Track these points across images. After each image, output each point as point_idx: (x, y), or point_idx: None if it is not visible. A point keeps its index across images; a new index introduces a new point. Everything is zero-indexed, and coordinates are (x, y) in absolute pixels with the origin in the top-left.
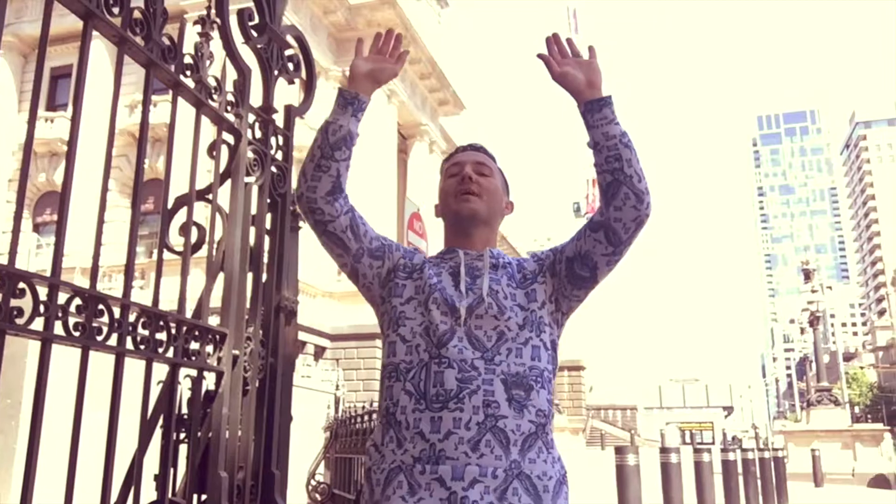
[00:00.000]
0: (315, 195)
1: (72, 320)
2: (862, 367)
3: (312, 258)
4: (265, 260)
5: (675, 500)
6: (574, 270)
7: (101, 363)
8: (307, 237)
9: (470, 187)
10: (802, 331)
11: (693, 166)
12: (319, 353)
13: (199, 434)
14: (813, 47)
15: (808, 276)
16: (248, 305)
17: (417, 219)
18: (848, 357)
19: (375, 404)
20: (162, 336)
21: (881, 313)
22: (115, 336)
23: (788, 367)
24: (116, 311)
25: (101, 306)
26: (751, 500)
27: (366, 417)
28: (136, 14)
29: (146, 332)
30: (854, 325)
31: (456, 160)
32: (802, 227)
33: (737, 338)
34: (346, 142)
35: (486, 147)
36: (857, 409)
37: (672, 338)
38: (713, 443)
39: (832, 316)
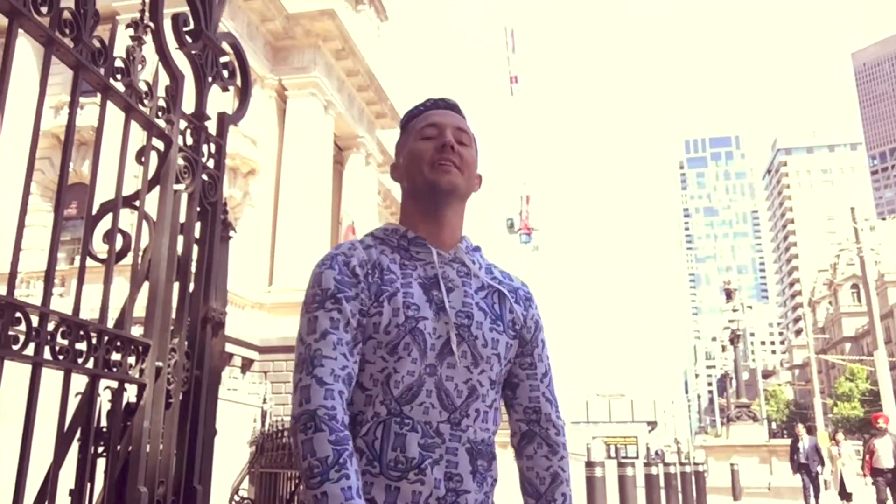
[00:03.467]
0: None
1: None
2: (779, 385)
3: (243, 268)
4: (193, 269)
5: None
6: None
7: (17, 374)
8: (237, 247)
9: (452, 157)
10: (724, 348)
11: (624, 186)
12: (247, 365)
13: (119, 448)
14: (738, 75)
15: (729, 295)
16: (173, 316)
17: (352, 231)
18: (766, 374)
19: None
20: (82, 346)
21: (798, 332)
22: (32, 345)
23: (710, 384)
24: (35, 320)
25: (17, 314)
26: None
27: None
28: (66, 14)
29: (65, 342)
30: (773, 343)
31: (433, 121)
32: (725, 248)
33: (661, 354)
34: None
35: (459, 105)
36: (774, 425)
37: (599, 353)
38: (637, 457)
39: (752, 334)
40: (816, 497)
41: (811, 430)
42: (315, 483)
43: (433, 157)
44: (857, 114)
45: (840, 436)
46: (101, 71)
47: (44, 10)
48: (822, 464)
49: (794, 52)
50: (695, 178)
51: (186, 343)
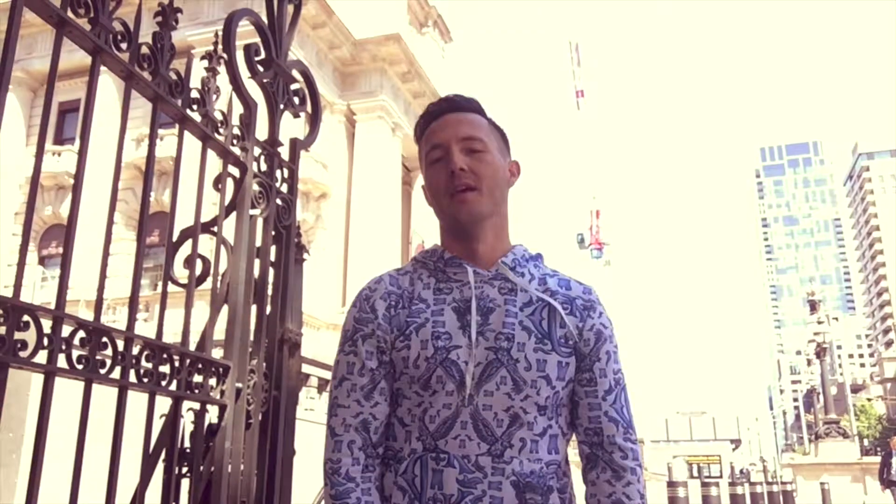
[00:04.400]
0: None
1: (75, 353)
2: (870, 399)
3: (317, 290)
4: (269, 292)
5: None
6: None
7: (105, 396)
8: (311, 268)
9: (464, 182)
10: (809, 362)
11: (698, 198)
12: (324, 385)
13: (202, 468)
14: (814, 79)
15: (813, 307)
16: (251, 338)
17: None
18: (856, 389)
19: None
20: (165, 369)
21: (888, 344)
22: (118, 369)
23: (796, 399)
24: (120, 344)
25: (104, 339)
26: None
27: None
28: (144, 49)
29: (149, 365)
30: (861, 356)
31: (435, 141)
32: (807, 258)
33: (743, 370)
34: None
35: (465, 96)
36: (866, 442)
37: (678, 370)
38: (721, 476)
39: (839, 347)
40: None
41: None
42: None
43: (447, 185)
44: None
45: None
46: (178, 102)
47: (123, 46)
48: None
49: (874, 52)
50: (772, 186)
51: (265, 364)
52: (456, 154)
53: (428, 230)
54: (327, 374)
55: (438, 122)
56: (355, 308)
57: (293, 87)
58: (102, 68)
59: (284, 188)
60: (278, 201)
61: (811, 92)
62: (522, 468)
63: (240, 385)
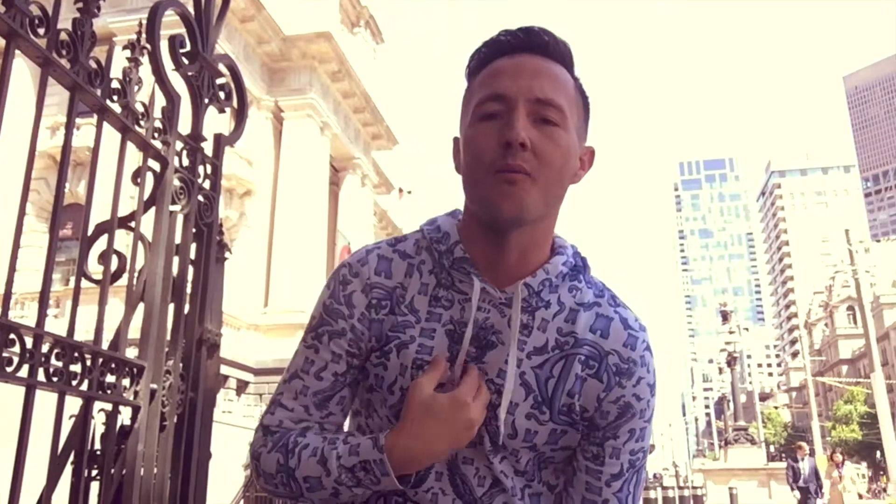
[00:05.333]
0: None
1: None
2: (776, 407)
3: (238, 289)
4: (188, 291)
5: None
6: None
7: (11, 396)
8: (233, 268)
9: (519, 164)
10: (720, 370)
11: (617, 209)
12: (242, 387)
13: (113, 471)
14: (732, 98)
15: (725, 317)
16: (168, 338)
17: (348, 252)
18: (764, 397)
19: None
20: (77, 368)
21: (794, 355)
22: (26, 367)
23: (707, 406)
24: (29, 341)
25: (12, 335)
26: None
27: None
28: (63, 36)
29: (60, 364)
30: (769, 365)
31: (499, 89)
32: (721, 270)
33: (658, 377)
34: None
35: (556, 35)
36: (772, 448)
37: None
38: None
39: (749, 357)
40: None
41: (811, 453)
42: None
43: (494, 160)
44: (849, 136)
45: (839, 456)
46: (98, 92)
47: (41, 31)
48: (821, 487)
49: (786, 75)
50: (690, 200)
51: (181, 365)
52: (521, 119)
53: (354, 233)
54: (247, 376)
55: (510, 60)
56: (328, 291)
57: (219, 81)
58: (17, 53)
59: (207, 184)
60: (200, 198)
61: (729, 109)
62: None
63: (155, 386)
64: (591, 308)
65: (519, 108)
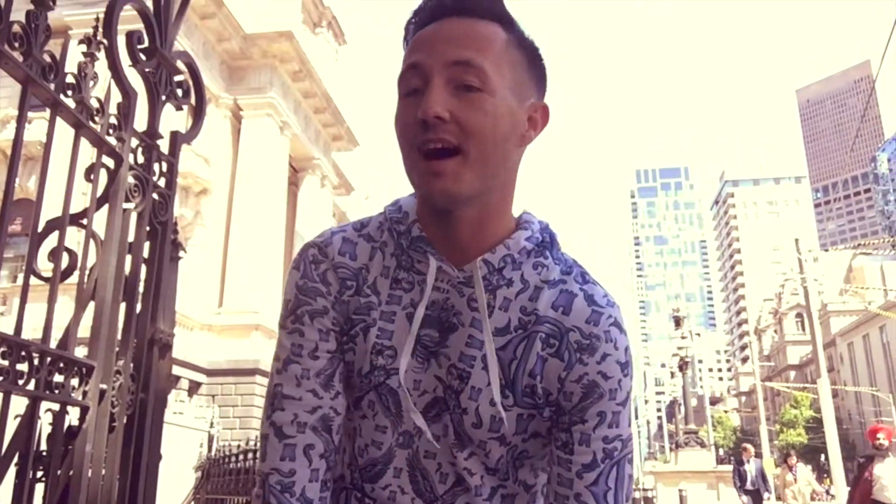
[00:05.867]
0: None
1: None
2: (726, 411)
3: (192, 288)
4: (141, 290)
5: None
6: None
7: None
8: (187, 267)
9: (440, 137)
10: (672, 375)
11: (575, 214)
12: (194, 388)
13: (59, 472)
14: (688, 108)
15: (678, 322)
16: (119, 337)
17: None
18: (714, 401)
19: (252, 443)
20: (23, 367)
21: (744, 360)
22: None
23: (659, 410)
24: None
25: None
26: None
27: (241, 457)
28: (16, 28)
29: (5, 363)
30: (720, 370)
31: (415, 58)
32: (674, 276)
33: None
34: None
35: None
36: (721, 451)
37: None
38: None
39: (700, 361)
40: None
41: (758, 456)
42: None
43: (416, 137)
44: (801, 148)
45: (794, 459)
46: (52, 86)
47: None
48: (768, 489)
49: (741, 87)
50: (645, 207)
51: (132, 365)
52: (435, 90)
53: (313, 234)
54: (199, 377)
55: (431, 27)
56: (297, 273)
57: (177, 78)
58: None
59: (162, 182)
60: (155, 195)
61: (685, 120)
62: None
63: (104, 386)
64: (556, 285)
65: (434, 77)
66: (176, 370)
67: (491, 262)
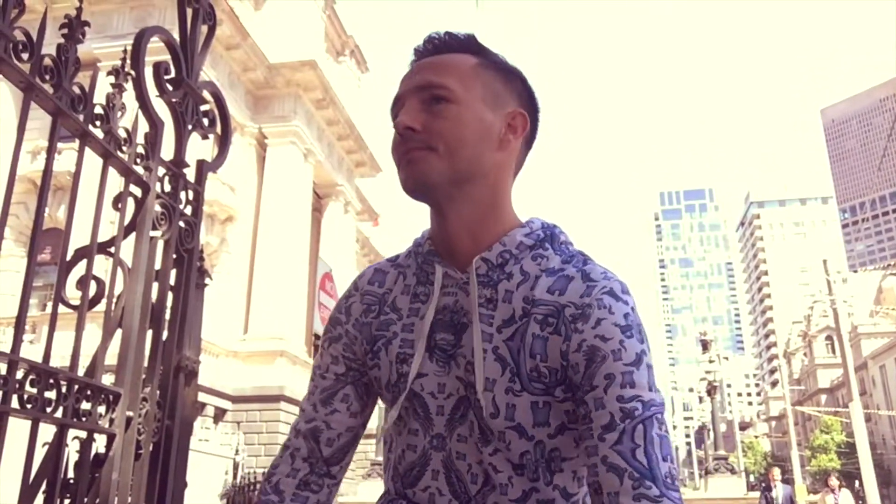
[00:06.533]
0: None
1: None
2: (756, 437)
3: (218, 315)
4: (167, 317)
5: None
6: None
7: None
8: (212, 294)
9: (413, 144)
10: (701, 399)
11: (599, 237)
12: (220, 415)
13: (86, 500)
14: (712, 129)
15: (705, 346)
16: (145, 364)
17: (329, 279)
18: (744, 426)
19: None
20: (51, 395)
21: (774, 384)
22: None
23: (687, 435)
24: (2, 367)
25: None
26: None
27: None
28: (47, 61)
29: (34, 391)
30: (749, 394)
31: (397, 94)
32: (701, 299)
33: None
34: None
35: (457, 33)
36: (752, 478)
37: None
38: None
39: (728, 386)
40: None
41: (788, 481)
42: None
43: (398, 150)
44: (827, 168)
45: (835, 481)
46: (80, 117)
47: (24, 56)
48: None
49: (765, 107)
50: (670, 229)
51: (158, 392)
52: (405, 108)
53: (336, 260)
54: (225, 404)
55: (411, 68)
56: (336, 304)
57: (203, 107)
58: (0, 77)
59: (188, 210)
60: (181, 223)
61: (708, 141)
62: None
63: (131, 413)
64: (554, 273)
65: (406, 102)
66: (201, 397)
67: (489, 260)
